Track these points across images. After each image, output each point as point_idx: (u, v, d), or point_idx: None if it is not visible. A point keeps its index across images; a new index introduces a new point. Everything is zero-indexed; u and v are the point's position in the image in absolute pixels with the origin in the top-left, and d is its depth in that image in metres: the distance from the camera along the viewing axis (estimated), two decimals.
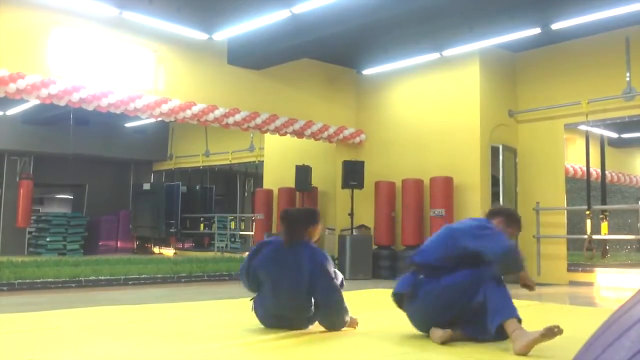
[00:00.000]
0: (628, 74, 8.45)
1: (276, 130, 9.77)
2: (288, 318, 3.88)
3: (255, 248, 4.10)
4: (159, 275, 8.41)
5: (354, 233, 9.89)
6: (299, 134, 10.05)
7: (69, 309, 5.22)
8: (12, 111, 13.27)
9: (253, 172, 14.96)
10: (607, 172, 10.68)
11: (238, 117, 9.16)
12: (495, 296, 3.35)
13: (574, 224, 9.93)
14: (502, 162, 9.17)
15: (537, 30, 8.15)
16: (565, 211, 9.40)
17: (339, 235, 9.94)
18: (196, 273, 8.78)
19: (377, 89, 10.74)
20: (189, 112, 8.65)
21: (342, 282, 3.99)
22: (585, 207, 9.07)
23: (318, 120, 10.20)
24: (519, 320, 3.30)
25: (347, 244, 9.59)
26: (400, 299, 3.69)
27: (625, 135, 13.02)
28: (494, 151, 9.23)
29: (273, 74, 9.73)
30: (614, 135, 12.55)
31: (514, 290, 3.67)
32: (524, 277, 3.66)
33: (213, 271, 9.02)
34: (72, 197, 18.57)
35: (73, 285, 7.53)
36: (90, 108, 7.94)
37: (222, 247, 14.58)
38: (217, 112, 8.93)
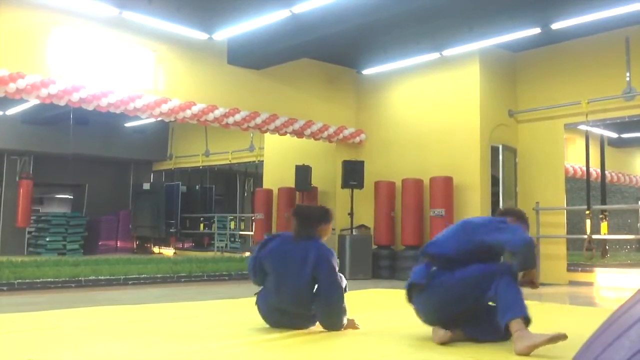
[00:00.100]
0: (628, 74, 8.45)
1: (276, 130, 9.77)
2: (289, 313, 3.88)
3: (264, 240, 4.15)
4: (158, 275, 8.41)
5: (354, 233, 9.89)
6: (299, 133, 10.05)
7: (68, 308, 5.21)
8: (12, 111, 13.27)
9: (253, 172, 14.96)
10: (606, 172, 10.69)
11: (238, 117, 9.16)
12: (507, 293, 3.32)
13: (574, 223, 9.94)
14: (502, 162, 9.17)
15: (537, 30, 8.15)
16: (565, 211, 9.40)
17: (338, 235, 9.94)
18: (196, 273, 8.78)
19: (377, 88, 10.74)
20: (188, 112, 8.65)
21: (345, 287, 3.98)
22: (585, 207, 9.07)
23: (318, 120, 10.20)
24: (528, 320, 3.29)
25: (346, 243, 9.58)
26: (411, 291, 3.64)
27: (625, 135, 13.02)
28: (494, 151, 9.23)
29: (273, 74, 9.73)
30: (614, 135, 12.56)
31: None
32: (531, 274, 3.58)
33: (213, 271, 9.02)
34: (71, 197, 18.58)
35: (73, 285, 7.52)
36: (90, 108, 7.94)
37: (221, 247, 14.58)
38: (217, 112, 8.93)
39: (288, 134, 10.04)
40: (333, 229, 10.55)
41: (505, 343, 3.37)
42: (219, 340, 3.56)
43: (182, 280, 8.53)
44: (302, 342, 3.57)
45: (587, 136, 9.32)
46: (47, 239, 14.48)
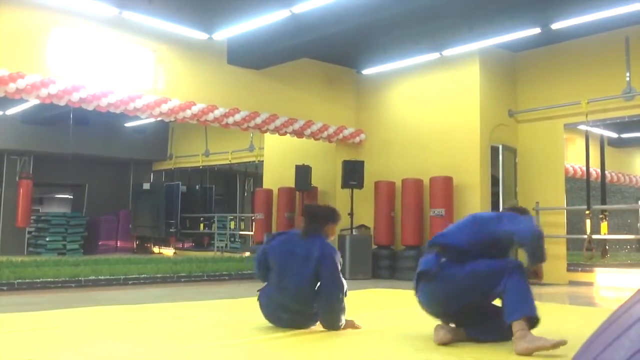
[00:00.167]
0: (628, 74, 8.45)
1: (276, 130, 9.77)
2: (291, 310, 3.88)
3: (272, 236, 4.24)
4: (158, 275, 8.41)
5: (354, 233, 9.88)
6: (299, 133, 10.05)
7: (68, 308, 5.22)
8: (11, 111, 13.27)
9: (253, 172, 14.96)
10: (606, 172, 10.69)
11: (238, 116, 9.15)
12: (516, 291, 3.29)
13: (574, 223, 9.94)
14: (502, 162, 9.17)
15: (537, 30, 8.15)
16: (565, 211, 9.40)
17: (338, 235, 9.93)
18: (196, 273, 8.78)
19: (377, 88, 10.74)
20: (188, 112, 8.65)
21: (345, 291, 3.98)
22: (585, 207, 9.07)
23: (318, 120, 10.20)
24: (538, 320, 3.27)
25: (346, 243, 9.58)
26: (418, 281, 3.60)
27: (625, 135, 13.03)
28: (494, 151, 9.23)
29: (273, 74, 9.73)
30: (614, 135, 12.56)
31: None
32: (537, 268, 3.50)
33: (213, 271, 9.02)
34: (71, 197, 18.58)
35: (73, 285, 7.52)
36: (90, 108, 7.94)
37: (221, 247, 14.58)
38: (217, 112, 8.93)
39: (288, 134, 10.04)
40: None
41: (506, 343, 3.37)
42: (219, 340, 3.57)
43: (182, 280, 8.53)
44: (302, 342, 3.57)
45: (587, 136, 9.32)
46: (47, 239, 14.48)
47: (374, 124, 10.75)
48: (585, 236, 8.86)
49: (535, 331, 3.25)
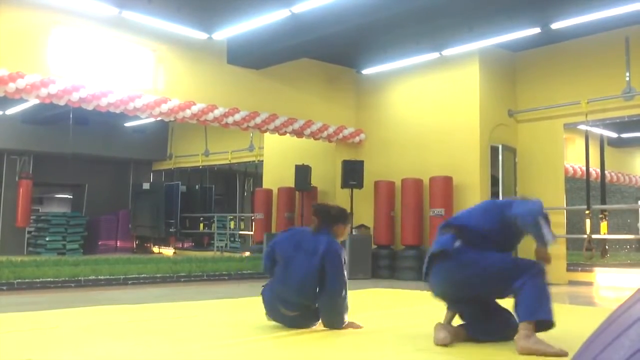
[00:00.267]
0: (627, 74, 8.45)
1: (276, 130, 9.77)
2: (292, 304, 3.88)
3: (283, 231, 4.40)
4: (158, 275, 8.40)
5: (354, 233, 9.88)
6: (299, 133, 10.05)
7: (68, 308, 5.22)
8: (11, 110, 13.27)
9: (252, 172, 14.96)
10: (606, 171, 10.69)
11: (237, 116, 9.16)
12: (535, 291, 3.24)
13: (574, 223, 9.94)
14: (501, 162, 9.17)
15: (536, 30, 8.15)
16: (565, 211, 9.40)
17: None
18: (195, 273, 8.78)
19: (377, 88, 10.74)
20: (188, 112, 8.65)
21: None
22: (585, 206, 9.08)
23: (317, 119, 10.20)
24: (552, 324, 3.24)
25: (346, 243, 9.56)
26: (431, 262, 3.52)
27: (624, 135, 13.03)
28: (494, 151, 9.23)
29: (273, 74, 9.73)
30: (614, 135, 12.56)
31: None
32: (541, 251, 3.43)
33: (212, 271, 9.02)
34: (71, 197, 18.58)
35: (72, 284, 7.52)
36: (90, 107, 7.94)
37: (221, 247, 14.58)
38: (217, 112, 8.93)
39: (288, 134, 10.04)
40: None
41: (507, 344, 3.37)
42: (219, 340, 3.56)
43: (182, 280, 8.53)
44: (302, 342, 3.57)
45: (587, 136, 9.32)
46: (47, 239, 14.48)
47: (374, 123, 10.75)
48: (585, 236, 8.86)
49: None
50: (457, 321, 3.62)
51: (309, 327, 3.94)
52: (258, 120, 9.39)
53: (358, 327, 3.97)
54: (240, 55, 9.23)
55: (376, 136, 10.71)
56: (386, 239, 9.93)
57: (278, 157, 12.79)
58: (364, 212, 10.25)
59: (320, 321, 3.97)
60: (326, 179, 11.39)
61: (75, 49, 7.96)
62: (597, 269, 8.78)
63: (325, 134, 10.30)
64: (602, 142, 10.90)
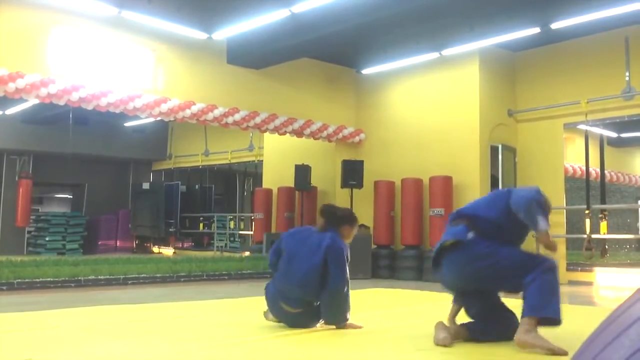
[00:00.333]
0: (627, 74, 8.45)
1: (275, 130, 9.77)
2: (293, 299, 3.89)
3: (291, 229, 4.56)
4: (158, 275, 8.40)
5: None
6: (299, 133, 10.05)
7: (68, 308, 5.22)
8: (11, 110, 13.26)
9: (252, 172, 14.96)
10: (606, 171, 10.69)
11: (237, 116, 9.16)
12: (544, 287, 3.23)
13: (573, 223, 9.94)
14: (501, 162, 9.17)
15: (536, 30, 8.15)
16: (565, 210, 9.40)
17: None
18: (195, 272, 8.77)
19: (377, 88, 10.74)
20: (188, 112, 8.65)
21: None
22: (585, 206, 9.08)
23: (317, 119, 10.20)
24: (559, 322, 3.22)
25: None
26: (442, 252, 3.48)
27: (624, 135, 13.03)
28: (494, 151, 9.23)
29: (272, 74, 9.73)
30: (614, 134, 12.56)
31: None
32: (542, 238, 3.35)
33: (212, 271, 9.01)
34: (71, 197, 18.58)
35: (72, 284, 7.52)
36: (90, 107, 7.94)
37: (221, 247, 14.58)
38: (217, 112, 8.93)
39: (287, 134, 10.04)
40: None
41: (506, 344, 3.37)
42: (218, 340, 3.56)
43: (182, 279, 8.52)
44: (302, 341, 3.57)
45: (587, 136, 9.33)
46: (47, 239, 14.47)
47: (374, 123, 10.75)
48: (585, 236, 8.86)
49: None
50: (461, 317, 3.61)
51: (310, 326, 3.94)
52: (258, 120, 9.39)
53: (358, 327, 3.97)
54: (240, 55, 9.23)
55: (376, 136, 10.71)
56: (386, 238, 9.93)
57: (278, 156, 12.79)
58: (363, 212, 10.23)
59: (321, 321, 3.97)
60: (326, 178, 11.39)
61: (75, 48, 7.96)
62: (596, 269, 8.78)
63: (325, 133, 10.30)
64: (602, 142, 10.89)
